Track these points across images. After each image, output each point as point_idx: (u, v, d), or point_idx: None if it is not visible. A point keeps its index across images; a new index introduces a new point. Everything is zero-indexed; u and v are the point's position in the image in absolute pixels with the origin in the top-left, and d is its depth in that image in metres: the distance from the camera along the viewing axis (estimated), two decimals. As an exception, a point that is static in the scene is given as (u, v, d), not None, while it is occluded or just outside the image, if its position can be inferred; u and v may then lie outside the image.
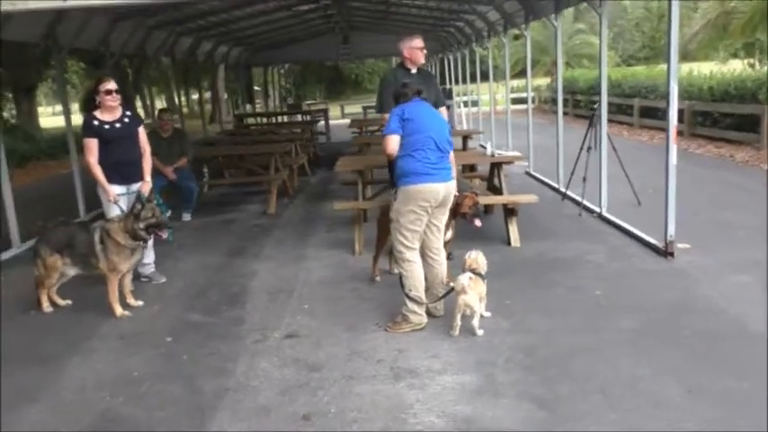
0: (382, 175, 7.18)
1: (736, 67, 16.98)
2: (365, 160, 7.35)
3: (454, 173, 4.44)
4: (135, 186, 5.15)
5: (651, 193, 7.09)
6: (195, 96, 28.87)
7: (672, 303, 4.45)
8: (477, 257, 4.21)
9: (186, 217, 8.13)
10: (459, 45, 15.90)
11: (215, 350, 4.11)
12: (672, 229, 5.35)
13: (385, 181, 7.47)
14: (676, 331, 3.98)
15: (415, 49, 5.42)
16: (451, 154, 4.40)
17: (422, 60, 5.55)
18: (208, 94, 25.87)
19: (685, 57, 15.30)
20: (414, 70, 5.46)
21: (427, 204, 4.17)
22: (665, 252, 5.38)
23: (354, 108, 26.83)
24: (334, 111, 24.54)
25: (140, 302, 4.99)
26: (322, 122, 18.43)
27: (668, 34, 5.25)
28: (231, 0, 10.83)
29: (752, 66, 18.19)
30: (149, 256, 5.52)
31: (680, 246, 5.42)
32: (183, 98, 20.76)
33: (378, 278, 5.25)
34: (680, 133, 7.36)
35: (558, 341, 3.94)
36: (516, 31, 12.12)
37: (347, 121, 16.38)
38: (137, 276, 5.41)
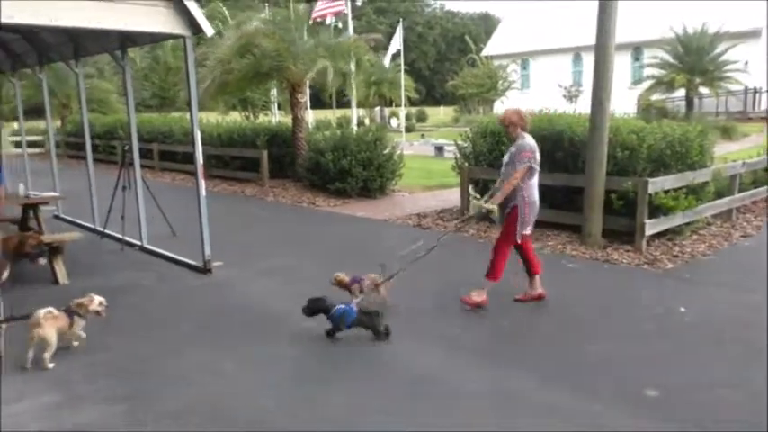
0: None
1: (236, 117, 19.98)
2: None
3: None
4: None
5: (183, 225, 8.10)
6: None
7: (215, 306, 5.51)
8: (90, 298, 4.41)
9: None
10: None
11: None
12: (208, 251, 6.43)
13: None
14: (222, 324, 5.01)
15: None
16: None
17: None
18: None
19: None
20: None
21: None
22: (205, 270, 6.42)
23: None
24: None
25: None
26: None
27: (188, 87, 6.33)
28: None
29: (247, 117, 21.67)
30: None
31: (215, 263, 6.53)
32: None
33: None
34: (200, 173, 8.68)
35: (131, 352, 4.45)
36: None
37: None
38: None
